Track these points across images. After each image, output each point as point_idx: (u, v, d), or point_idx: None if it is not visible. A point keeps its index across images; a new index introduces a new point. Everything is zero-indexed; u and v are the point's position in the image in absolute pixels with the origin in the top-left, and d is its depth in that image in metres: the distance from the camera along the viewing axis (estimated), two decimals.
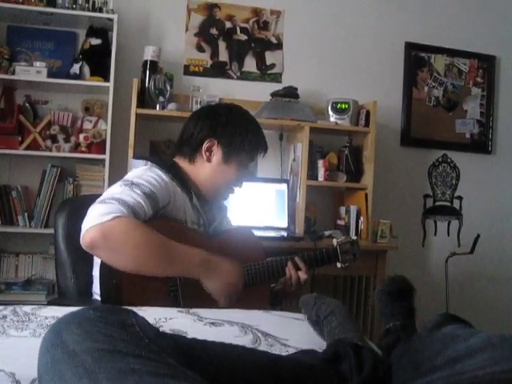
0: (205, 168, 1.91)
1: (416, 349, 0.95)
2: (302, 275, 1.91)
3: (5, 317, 1.33)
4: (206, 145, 1.89)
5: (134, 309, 1.36)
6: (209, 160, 1.90)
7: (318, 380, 0.96)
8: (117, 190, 1.66)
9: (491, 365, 0.78)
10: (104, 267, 1.64)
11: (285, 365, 1.00)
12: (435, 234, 4.00)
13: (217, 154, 1.90)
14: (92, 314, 0.85)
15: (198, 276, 1.67)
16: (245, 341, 1.20)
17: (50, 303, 2.02)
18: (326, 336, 1.26)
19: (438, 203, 4.01)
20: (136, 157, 2.08)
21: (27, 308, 1.41)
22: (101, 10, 3.19)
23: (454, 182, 4.03)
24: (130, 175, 1.78)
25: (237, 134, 1.91)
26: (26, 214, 3.16)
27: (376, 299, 1.38)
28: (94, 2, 3.19)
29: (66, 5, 3.14)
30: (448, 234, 4.01)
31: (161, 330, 1.11)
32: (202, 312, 1.43)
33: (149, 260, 1.60)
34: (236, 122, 1.94)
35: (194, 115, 2.00)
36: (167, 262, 1.63)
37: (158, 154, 3.37)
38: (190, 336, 1.15)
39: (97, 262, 1.75)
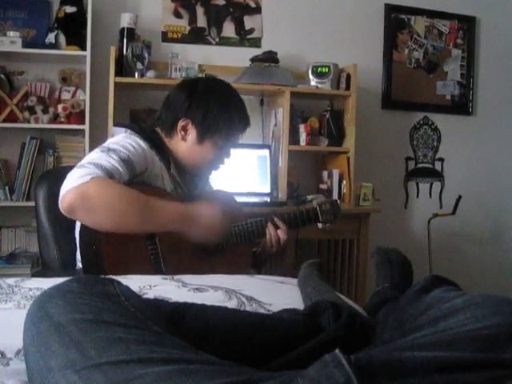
0: (181, 145, 1.90)
1: (401, 309, 0.97)
2: (282, 235, 1.91)
3: None
4: (180, 123, 1.88)
5: (119, 277, 1.37)
6: (184, 139, 1.89)
7: (298, 333, 0.98)
8: (94, 155, 1.66)
9: (473, 322, 0.80)
10: (83, 232, 1.65)
11: (267, 322, 1.01)
12: (417, 196, 4.03)
13: (191, 133, 1.88)
14: (75, 286, 0.85)
15: (178, 228, 1.66)
16: (229, 305, 1.21)
17: (34, 275, 2.02)
18: (303, 301, 1.28)
19: (419, 165, 4.04)
20: (116, 124, 2.07)
21: (11, 280, 1.41)
22: None
23: (435, 144, 4.05)
24: (108, 142, 1.78)
25: (210, 115, 1.87)
26: (6, 188, 3.13)
27: (375, 263, 1.38)
28: None
29: None
30: (430, 196, 4.05)
31: (145, 296, 1.12)
32: (186, 278, 1.44)
33: (127, 216, 1.60)
34: (212, 101, 1.89)
35: (174, 90, 1.97)
36: (145, 216, 1.63)
37: (137, 122, 3.33)
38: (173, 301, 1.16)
39: (78, 228, 1.75)
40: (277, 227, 1.92)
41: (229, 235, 1.82)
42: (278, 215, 1.95)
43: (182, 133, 1.88)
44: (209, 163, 1.94)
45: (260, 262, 2.06)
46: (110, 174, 1.59)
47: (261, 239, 1.94)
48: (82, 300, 0.82)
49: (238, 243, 1.85)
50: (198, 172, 1.98)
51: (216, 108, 1.88)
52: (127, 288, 0.89)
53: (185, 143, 1.89)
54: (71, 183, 1.54)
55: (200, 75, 3.19)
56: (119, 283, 0.89)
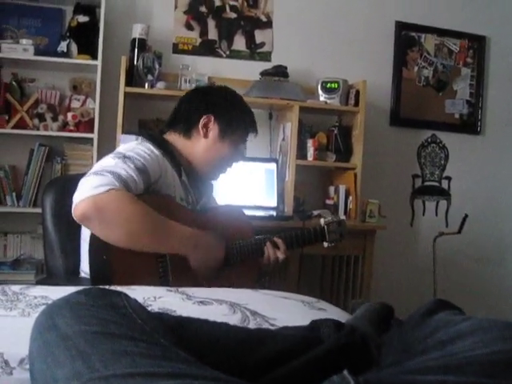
0: (200, 144, 1.93)
1: (407, 331, 0.96)
2: (280, 255, 1.91)
3: None
4: (203, 120, 1.91)
5: (124, 288, 1.37)
6: (205, 136, 1.92)
7: (298, 345, 0.97)
8: (110, 162, 1.65)
9: (481, 347, 0.79)
10: (93, 243, 1.64)
11: (268, 336, 1.01)
12: (423, 214, 4.02)
13: (213, 130, 1.92)
14: (84, 297, 0.86)
15: (186, 252, 1.69)
16: (233, 319, 1.21)
17: (38, 283, 2.02)
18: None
19: (426, 183, 4.03)
20: (127, 132, 2.08)
21: (16, 287, 1.41)
22: None
23: (442, 162, 4.05)
24: (122, 148, 1.78)
25: (233, 113, 1.95)
26: (14, 194, 3.14)
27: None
28: None
29: None
30: (436, 214, 4.04)
31: (149, 308, 1.12)
32: (191, 291, 1.43)
33: (140, 233, 1.61)
34: (232, 101, 1.98)
35: (189, 93, 2.04)
36: (158, 236, 1.64)
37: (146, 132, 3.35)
38: (178, 314, 1.16)
39: (85, 239, 1.75)
40: (276, 247, 1.91)
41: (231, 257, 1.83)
42: (281, 234, 1.95)
43: (204, 130, 1.91)
44: (222, 162, 1.98)
45: (259, 278, 2.07)
46: (126, 185, 1.59)
47: (260, 257, 1.94)
48: (90, 312, 0.82)
49: (242, 260, 1.85)
50: (208, 173, 2.00)
51: (236, 106, 1.97)
52: (135, 301, 0.90)
53: (205, 140, 1.92)
54: (88, 191, 1.54)
55: None
56: (127, 296, 0.89)
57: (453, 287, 3.89)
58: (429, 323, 0.91)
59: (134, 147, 1.76)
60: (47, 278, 2.07)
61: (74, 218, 1.58)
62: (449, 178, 4.06)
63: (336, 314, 1.40)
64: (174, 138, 1.95)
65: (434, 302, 1.01)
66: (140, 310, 0.87)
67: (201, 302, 1.33)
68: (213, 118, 1.92)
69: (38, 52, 3.10)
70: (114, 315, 0.82)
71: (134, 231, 1.60)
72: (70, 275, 1.94)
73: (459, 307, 1.02)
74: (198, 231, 1.72)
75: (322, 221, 2.03)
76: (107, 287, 1.35)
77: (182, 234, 1.68)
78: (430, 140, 4.01)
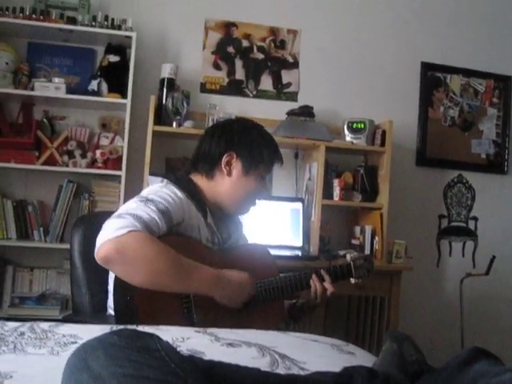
0: (224, 183, 1.91)
1: (444, 381, 0.94)
2: (329, 287, 1.91)
3: (22, 334, 1.33)
4: (225, 159, 1.89)
5: (152, 328, 1.36)
6: (229, 174, 1.90)
7: None
8: (132, 205, 1.67)
9: None
10: (117, 283, 1.65)
11: (299, 382, 0.99)
12: (450, 255, 3.96)
13: (236, 167, 1.90)
14: (117, 339, 0.85)
15: (210, 293, 1.68)
16: (262, 363, 1.19)
17: (65, 319, 2.02)
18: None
19: (453, 224, 3.99)
20: (152, 173, 2.09)
21: (45, 325, 1.41)
22: (120, 28, 3.22)
23: (469, 202, 4.01)
24: (146, 191, 1.79)
25: (255, 146, 1.92)
26: (41, 229, 3.18)
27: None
28: (112, 20, 3.23)
29: (86, 22, 3.18)
30: (463, 255, 3.98)
31: (178, 349, 1.11)
32: (220, 332, 1.42)
33: (162, 275, 1.61)
34: (252, 134, 1.95)
35: (209, 131, 2.01)
36: (180, 277, 1.63)
37: (173, 171, 3.37)
38: (207, 357, 1.15)
39: (111, 276, 1.76)
40: (322, 279, 1.91)
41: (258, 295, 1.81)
42: (307, 270, 1.93)
43: (227, 168, 1.90)
44: (250, 196, 1.96)
45: (301, 313, 2.06)
46: (148, 227, 1.60)
47: (300, 292, 1.93)
48: (123, 354, 0.82)
49: (275, 297, 1.84)
50: (237, 210, 1.99)
51: (258, 138, 1.94)
52: (167, 343, 0.89)
53: (229, 178, 1.90)
54: (109, 234, 1.55)
55: None
56: (159, 338, 0.89)
57: (481, 330, 3.82)
58: (467, 373, 0.89)
59: (157, 190, 1.77)
60: (73, 314, 2.07)
61: (97, 260, 1.59)
62: (475, 219, 4.02)
63: (365, 357, 1.38)
64: (198, 179, 1.94)
65: (471, 350, 0.99)
66: (173, 353, 0.87)
67: (229, 344, 1.32)
68: (235, 155, 1.90)
69: (69, 90, 3.17)
70: (147, 358, 0.82)
71: (154, 272, 1.60)
72: (96, 312, 1.94)
73: (496, 356, 1.00)
74: (219, 270, 1.71)
75: (348, 257, 2.02)
76: (136, 327, 1.35)
77: (204, 273, 1.67)
78: (456, 180, 3.98)
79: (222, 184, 1.91)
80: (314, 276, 1.90)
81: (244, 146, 1.91)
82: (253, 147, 1.92)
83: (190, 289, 1.67)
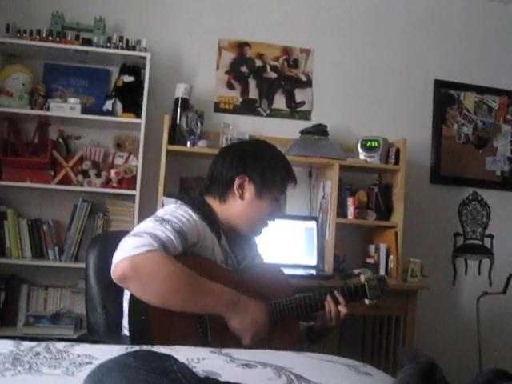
0: (237, 205, 1.90)
1: None
2: (343, 309, 1.89)
3: (38, 354, 1.32)
4: (237, 182, 1.88)
5: (167, 349, 1.36)
6: (241, 197, 1.89)
7: None
8: (148, 225, 1.67)
9: None
10: (133, 302, 1.64)
11: None
12: (466, 273, 3.93)
13: (249, 190, 1.89)
14: (132, 360, 0.85)
15: (224, 314, 1.67)
16: None
17: (80, 339, 2.02)
18: None
19: (468, 241, 3.96)
20: (167, 194, 2.09)
21: (60, 345, 1.41)
22: (134, 49, 3.26)
23: (484, 220, 3.98)
24: (161, 212, 1.79)
25: (267, 169, 1.90)
26: (56, 248, 3.20)
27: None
28: (127, 41, 3.27)
29: (101, 43, 3.22)
30: (479, 273, 3.94)
31: (194, 370, 1.10)
32: (235, 353, 1.41)
33: (178, 294, 1.60)
34: (264, 156, 1.93)
35: (221, 154, 1.99)
36: (196, 297, 1.62)
37: (187, 190, 3.39)
38: (223, 378, 1.14)
39: (126, 297, 1.75)
40: (336, 301, 1.89)
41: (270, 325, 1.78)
42: (321, 291, 1.92)
43: (240, 191, 1.88)
44: (264, 219, 1.94)
45: (318, 336, 2.04)
46: (164, 246, 1.59)
47: (316, 312, 1.92)
48: (140, 375, 0.81)
49: (290, 317, 1.82)
50: (251, 232, 1.98)
51: (271, 161, 1.92)
52: (183, 364, 0.89)
53: (242, 202, 1.89)
54: (126, 252, 1.55)
55: None
56: (175, 359, 0.89)
57: (499, 349, 3.77)
58: None
59: (172, 211, 1.77)
60: (88, 333, 2.06)
61: (113, 278, 1.58)
62: (491, 236, 3.98)
63: (382, 378, 1.36)
64: (211, 201, 1.93)
65: (492, 371, 0.98)
66: (189, 374, 0.86)
67: (245, 364, 1.31)
68: (247, 179, 1.88)
69: (84, 110, 3.20)
70: (163, 379, 0.81)
71: (170, 291, 1.59)
72: (111, 332, 1.93)
73: None
74: (239, 295, 1.70)
75: (362, 277, 2.00)
76: (151, 347, 1.35)
77: (221, 295, 1.66)
78: (471, 197, 3.96)
79: (235, 207, 1.90)
80: (328, 297, 1.88)
81: (256, 169, 1.89)
82: (265, 170, 1.90)
83: (206, 309, 1.66)
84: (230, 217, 1.91)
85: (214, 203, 1.93)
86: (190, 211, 1.79)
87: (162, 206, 1.96)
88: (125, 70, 3.33)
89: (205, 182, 1.99)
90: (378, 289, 1.98)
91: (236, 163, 1.90)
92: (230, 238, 1.93)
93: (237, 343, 1.63)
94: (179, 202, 1.86)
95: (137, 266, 1.54)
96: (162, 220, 1.68)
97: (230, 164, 1.90)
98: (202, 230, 1.78)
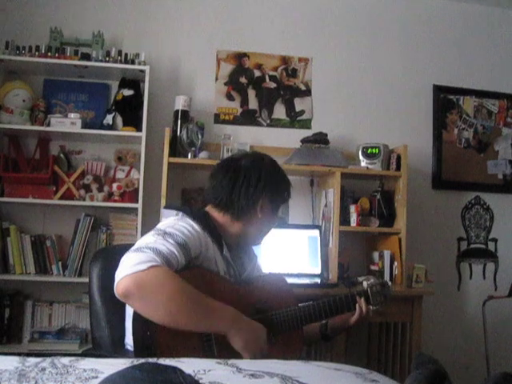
0: (252, 222, 1.92)
1: None
2: (370, 312, 1.97)
3: (44, 369, 1.32)
4: (260, 204, 1.91)
5: (172, 361, 1.35)
6: (261, 216, 1.92)
7: None
8: (150, 239, 1.66)
9: None
10: (137, 318, 1.63)
11: None
12: (471, 278, 3.92)
13: (267, 208, 1.94)
14: (139, 373, 0.85)
15: (226, 332, 1.66)
16: None
17: (85, 354, 2.01)
18: None
19: (472, 246, 3.95)
20: (167, 206, 2.08)
21: (65, 360, 1.40)
22: (133, 62, 3.27)
23: (487, 223, 3.97)
24: (163, 224, 1.78)
25: (280, 184, 1.97)
26: (59, 263, 3.19)
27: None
28: (126, 55, 3.28)
29: (100, 58, 3.23)
30: (484, 277, 3.93)
31: (200, 382, 1.10)
32: (241, 363, 1.40)
33: (181, 312, 1.59)
34: (273, 172, 1.97)
35: (236, 177, 1.92)
36: (198, 315, 1.62)
37: (189, 201, 3.39)
38: None
39: (129, 313, 1.75)
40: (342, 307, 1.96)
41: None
42: (325, 300, 1.93)
43: (261, 212, 1.92)
44: (271, 228, 2.01)
45: (333, 333, 2.09)
46: (167, 261, 1.59)
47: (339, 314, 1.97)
48: None
49: (286, 330, 1.83)
50: (257, 242, 2.02)
51: (277, 175, 1.97)
52: (190, 376, 0.88)
53: (259, 218, 1.92)
54: (128, 269, 1.55)
55: None
56: (182, 371, 0.88)
57: (506, 353, 3.75)
58: None
59: (174, 223, 1.76)
60: (93, 348, 2.06)
61: (116, 295, 1.58)
62: (495, 240, 3.97)
63: None
64: (214, 212, 1.93)
65: (501, 375, 0.97)
66: None
67: (251, 374, 1.30)
68: (267, 200, 1.92)
69: (84, 125, 3.21)
70: None
71: (173, 309, 1.58)
72: (116, 346, 1.92)
73: None
74: (241, 314, 1.69)
75: (364, 284, 2.01)
76: (157, 360, 1.34)
77: (223, 313, 1.66)
78: (473, 202, 3.95)
79: (251, 223, 1.92)
80: (362, 300, 1.96)
81: (272, 188, 1.93)
82: (279, 187, 1.96)
83: (209, 328, 1.66)
84: (242, 232, 1.93)
85: (217, 215, 1.93)
86: (192, 222, 1.79)
87: (162, 218, 1.96)
88: (124, 83, 3.34)
89: (211, 195, 1.96)
90: (381, 295, 1.99)
91: (255, 184, 1.90)
92: (232, 249, 1.93)
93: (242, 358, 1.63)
94: (180, 213, 1.86)
95: (139, 283, 1.54)
96: (164, 233, 1.68)
97: (250, 186, 1.90)
98: (204, 241, 1.78)
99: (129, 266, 1.55)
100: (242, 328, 1.67)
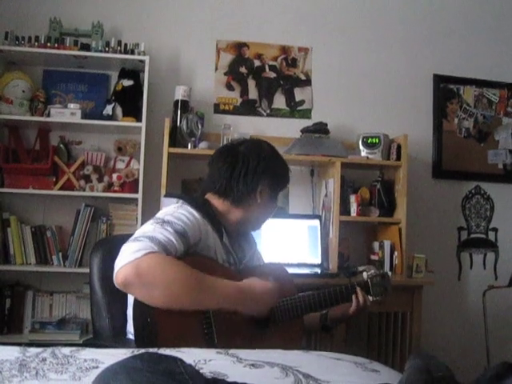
0: (253, 208, 1.93)
1: None
2: (368, 303, 1.97)
3: (44, 359, 1.32)
4: (259, 189, 1.91)
5: (173, 351, 1.35)
6: (261, 201, 1.93)
7: None
8: (148, 228, 1.67)
9: None
10: (137, 306, 1.64)
11: None
12: (471, 268, 3.92)
13: (266, 193, 1.94)
14: (139, 363, 0.85)
15: (234, 307, 1.67)
16: (286, 383, 1.18)
17: (85, 344, 2.02)
18: None
19: (472, 235, 3.95)
20: (167, 194, 2.09)
21: (66, 350, 1.41)
22: (132, 52, 3.26)
23: (488, 213, 3.97)
24: (162, 213, 1.79)
25: (279, 170, 1.97)
26: (60, 254, 3.20)
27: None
28: (125, 45, 3.27)
29: (100, 48, 3.22)
30: (484, 267, 3.93)
31: (200, 372, 1.10)
32: (241, 353, 1.41)
33: (182, 294, 1.60)
34: (278, 159, 1.99)
35: (232, 157, 1.93)
36: (201, 295, 1.63)
37: (189, 192, 3.38)
38: (230, 378, 1.14)
39: (130, 302, 1.75)
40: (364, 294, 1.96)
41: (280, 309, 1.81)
42: (325, 290, 1.93)
43: (260, 197, 1.92)
44: (271, 214, 2.02)
45: (333, 324, 2.09)
46: (165, 248, 1.60)
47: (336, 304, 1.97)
48: (147, 378, 0.81)
49: (287, 319, 1.84)
50: (257, 228, 2.04)
51: (276, 161, 1.98)
52: (190, 366, 0.89)
53: (258, 204, 1.93)
54: (126, 258, 1.55)
55: None
56: (182, 361, 0.89)
57: (506, 342, 3.76)
58: None
59: (173, 211, 1.77)
60: (94, 338, 2.06)
61: (116, 285, 1.59)
62: (495, 230, 3.97)
63: (389, 375, 1.36)
64: (214, 200, 1.94)
65: (502, 365, 0.97)
66: (197, 376, 0.86)
67: (252, 364, 1.31)
68: (266, 186, 1.93)
69: (84, 116, 3.20)
70: (170, 382, 0.81)
71: (174, 292, 1.59)
72: (117, 336, 1.93)
73: None
74: (240, 283, 1.71)
75: (364, 275, 2.01)
76: (157, 350, 1.35)
77: (226, 288, 1.67)
78: (474, 191, 3.95)
79: (251, 209, 1.93)
80: (359, 290, 1.95)
81: (271, 174, 1.93)
82: (277, 172, 1.97)
83: (213, 305, 1.66)
84: (242, 218, 1.94)
85: (217, 202, 1.93)
86: (192, 210, 1.80)
87: (163, 207, 1.96)
88: (124, 73, 3.34)
89: (212, 183, 1.96)
90: (381, 286, 1.99)
91: (256, 173, 1.90)
92: (231, 236, 1.94)
93: (243, 344, 1.63)
94: (180, 201, 1.87)
95: (138, 271, 1.54)
96: (163, 222, 1.68)
97: (249, 171, 1.90)
98: (204, 228, 1.79)
99: (126, 256, 1.56)
100: (248, 298, 1.70)
